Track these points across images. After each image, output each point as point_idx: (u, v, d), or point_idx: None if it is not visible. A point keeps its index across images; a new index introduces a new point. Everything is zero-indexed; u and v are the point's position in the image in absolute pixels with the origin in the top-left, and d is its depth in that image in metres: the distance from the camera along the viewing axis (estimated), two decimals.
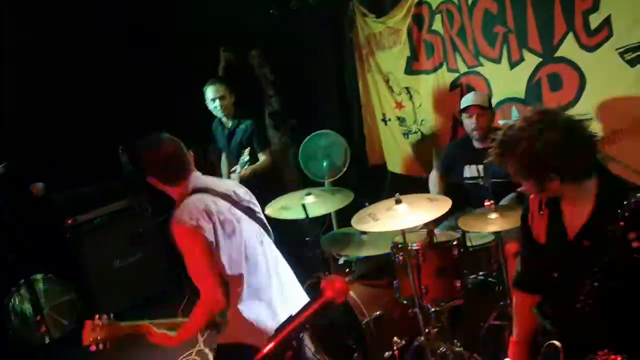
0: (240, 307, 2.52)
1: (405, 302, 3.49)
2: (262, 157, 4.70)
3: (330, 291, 1.64)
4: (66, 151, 5.18)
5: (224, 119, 4.80)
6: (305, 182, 5.31)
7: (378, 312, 3.54)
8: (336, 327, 3.67)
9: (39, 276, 4.65)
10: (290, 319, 1.57)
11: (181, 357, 4.28)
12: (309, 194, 3.86)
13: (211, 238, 2.47)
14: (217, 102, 4.63)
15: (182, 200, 2.53)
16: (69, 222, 5.19)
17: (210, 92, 4.64)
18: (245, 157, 4.21)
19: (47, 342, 4.27)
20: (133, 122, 5.17)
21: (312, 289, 3.75)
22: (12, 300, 4.67)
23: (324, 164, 5.23)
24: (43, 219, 5.07)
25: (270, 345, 1.51)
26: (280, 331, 1.54)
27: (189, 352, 4.33)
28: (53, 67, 5.32)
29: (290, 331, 1.53)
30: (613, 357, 1.88)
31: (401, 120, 5.23)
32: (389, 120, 5.37)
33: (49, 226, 5.16)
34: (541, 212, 2.03)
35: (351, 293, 3.57)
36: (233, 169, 4.38)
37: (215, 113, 4.75)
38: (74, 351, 4.53)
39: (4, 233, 3.40)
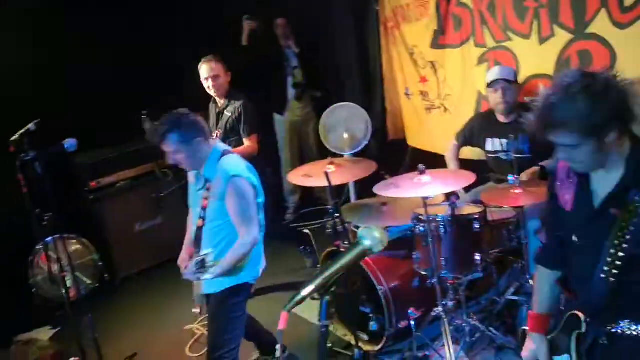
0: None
1: (423, 273, 3.51)
2: (246, 143, 4.51)
3: (369, 240, 1.67)
4: (91, 114, 5.24)
5: (217, 98, 4.66)
6: (325, 154, 5.33)
7: (396, 282, 3.57)
8: (353, 295, 3.72)
9: (64, 235, 4.73)
10: (328, 265, 1.61)
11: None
12: (331, 163, 3.88)
13: (255, 188, 3.11)
14: (210, 82, 4.48)
15: (214, 157, 3.11)
16: (93, 184, 5.27)
17: (204, 70, 4.48)
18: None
19: (69, 300, 4.34)
20: (155, 89, 5.25)
21: (332, 257, 3.80)
22: (37, 258, 4.79)
23: (345, 136, 5.22)
24: (69, 180, 5.16)
25: (311, 288, 1.55)
26: (318, 276, 1.57)
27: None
28: (81, 30, 5.36)
29: (329, 276, 1.57)
30: (635, 327, 1.89)
31: (424, 94, 5.20)
32: (412, 94, 5.35)
33: (73, 187, 5.25)
34: (570, 179, 2.03)
35: (370, 262, 3.61)
36: None
37: (208, 92, 4.62)
38: (95, 309, 4.67)
39: (33, 189, 3.44)
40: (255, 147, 4.52)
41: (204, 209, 3.14)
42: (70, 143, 3.53)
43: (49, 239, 4.25)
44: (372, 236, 1.67)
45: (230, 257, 3.05)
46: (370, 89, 5.85)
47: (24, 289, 4.98)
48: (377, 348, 3.67)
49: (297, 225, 5.68)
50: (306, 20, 5.78)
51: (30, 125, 3.63)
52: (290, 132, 6.17)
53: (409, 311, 3.55)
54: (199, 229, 3.17)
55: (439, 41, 4.91)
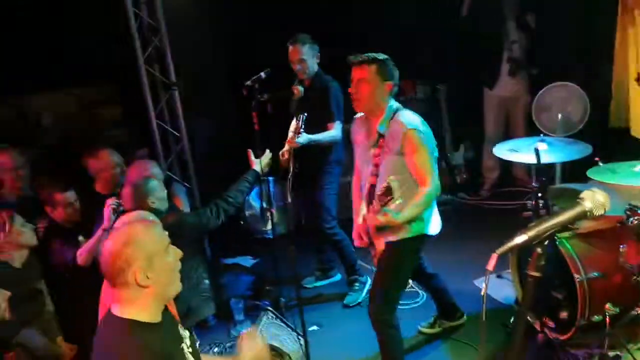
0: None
1: (629, 268, 3.27)
2: (329, 129, 4.22)
3: (590, 202, 1.64)
4: None
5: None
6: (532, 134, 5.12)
7: (596, 273, 3.37)
8: (546, 278, 3.58)
9: (277, 177, 5.17)
10: (544, 219, 1.62)
11: None
12: (542, 141, 3.73)
13: (433, 141, 3.13)
14: (294, 64, 4.31)
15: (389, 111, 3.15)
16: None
17: (289, 52, 4.27)
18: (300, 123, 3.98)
19: (270, 235, 4.78)
20: None
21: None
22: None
23: (559, 117, 4.97)
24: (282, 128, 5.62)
25: (523, 238, 1.59)
26: (533, 227, 1.60)
27: None
28: None
29: (543, 229, 1.59)
30: None
31: None
32: None
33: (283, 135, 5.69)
34: None
35: (570, 248, 3.45)
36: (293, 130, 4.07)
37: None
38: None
39: (261, 128, 3.81)
40: (335, 135, 4.28)
41: (376, 165, 3.18)
42: (298, 89, 3.85)
43: (264, 178, 4.69)
44: (594, 198, 1.64)
45: (413, 208, 3.09)
46: (595, 71, 5.44)
47: (232, 220, 5.59)
48: (563, 337, 3.52)
49: (491, 203, 5.59)
50: None
51: (262, 73, 4.04)
52: (498, 107, 6.03)
53: (606, 306, 3.34)
54: (372, 187, 3.21)
55: None
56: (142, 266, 1.89)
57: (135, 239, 1.92)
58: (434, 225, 3.31)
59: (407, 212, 3.08)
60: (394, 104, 3.19)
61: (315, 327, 4.20)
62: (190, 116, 5.48)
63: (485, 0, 5.71)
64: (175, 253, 2.02)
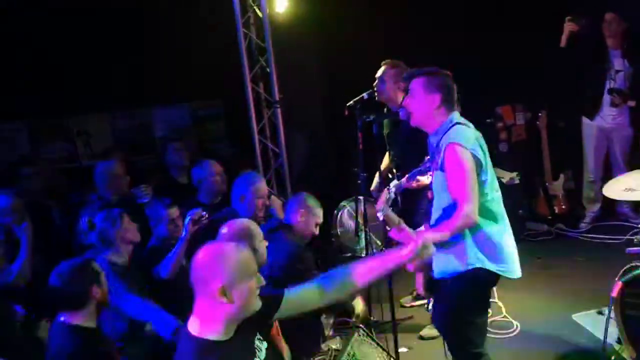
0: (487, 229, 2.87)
1: None
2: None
3: None
4: None
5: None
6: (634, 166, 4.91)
7: None
8: None
9: (368, 197, 5.21)
10: None
11: None
12: None
13: (479, 162, 2.84)
14: (376, 82, 4.27)
15: (445, 126, 2.93)
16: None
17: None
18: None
19: (362, 254, 4.81)
20: None
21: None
22: (343, 211, 5.41)
23: None
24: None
25: None
26: None
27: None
28: None
29: None
30: None
31: None
32: None
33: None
34: None
35: None
36: (393, 187, 3.81)
37: None
38: None
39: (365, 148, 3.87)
40: None
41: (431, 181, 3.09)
42: (403, 110, 3.88)
43: (358, 197, 4.75)
44: None
45: (440, 227, 2.81)
46: None
47: (324, 237, 5.65)
48: None
49: (592, 236, 5.40)
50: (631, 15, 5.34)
51: (364, 94, 4.12)
52: (598, 138, 5.82)
53: None
54: (429, 201, 3.14)
55: None
56: (225, 282, 1.95)
57: (227, 255, 2.01)
58: (500, 260, 2.92)
59: (433, 235, 2.69)
60: (455, 118, 2.96)
61: (405, 349, 4.18)
62: (288, 133, 5.67)
63: (585, 29, 5.55)
64: (259, 281, 2.08)
